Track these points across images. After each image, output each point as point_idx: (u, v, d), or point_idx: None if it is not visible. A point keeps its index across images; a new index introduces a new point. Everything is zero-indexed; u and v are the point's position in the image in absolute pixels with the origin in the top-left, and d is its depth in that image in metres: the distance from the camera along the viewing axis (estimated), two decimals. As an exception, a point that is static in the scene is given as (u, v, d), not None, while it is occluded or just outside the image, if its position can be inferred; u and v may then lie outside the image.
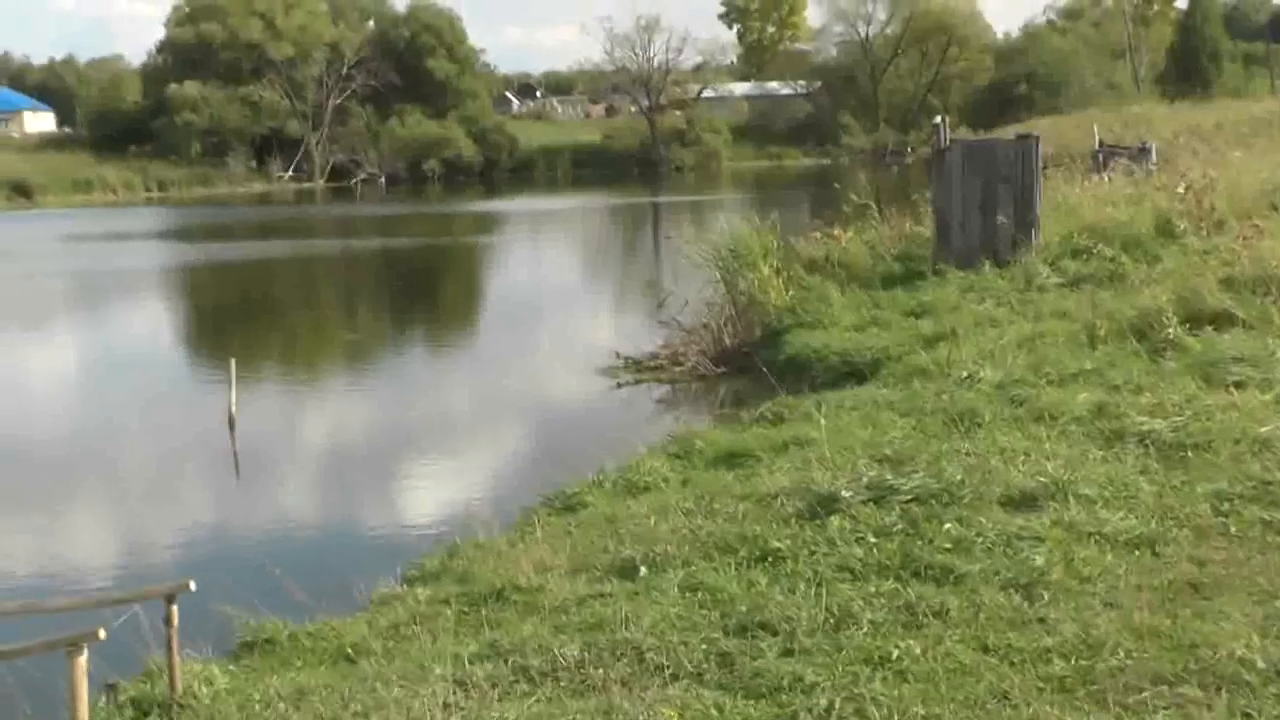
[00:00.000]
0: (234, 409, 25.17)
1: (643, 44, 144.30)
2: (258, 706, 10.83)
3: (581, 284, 52.18)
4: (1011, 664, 9.04)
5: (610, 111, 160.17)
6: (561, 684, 9.75)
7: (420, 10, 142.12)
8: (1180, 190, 29.09)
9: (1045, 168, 34.49)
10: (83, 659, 10.17)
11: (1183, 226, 26.87)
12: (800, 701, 8.72)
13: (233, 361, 26.27)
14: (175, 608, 11.50)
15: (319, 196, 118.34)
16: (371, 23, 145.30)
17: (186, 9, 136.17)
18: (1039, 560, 10.81)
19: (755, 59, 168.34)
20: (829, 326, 26.38)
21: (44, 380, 34.78)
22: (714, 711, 8.68)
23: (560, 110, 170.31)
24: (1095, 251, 26.50)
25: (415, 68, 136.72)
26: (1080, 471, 13.12)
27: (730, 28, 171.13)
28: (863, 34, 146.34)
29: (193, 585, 11.66)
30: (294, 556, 17.77)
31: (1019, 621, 9.76)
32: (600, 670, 9.74)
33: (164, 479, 23.13)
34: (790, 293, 29.06)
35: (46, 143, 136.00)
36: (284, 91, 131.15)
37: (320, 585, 14.80)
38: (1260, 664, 8.56)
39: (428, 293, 51.44)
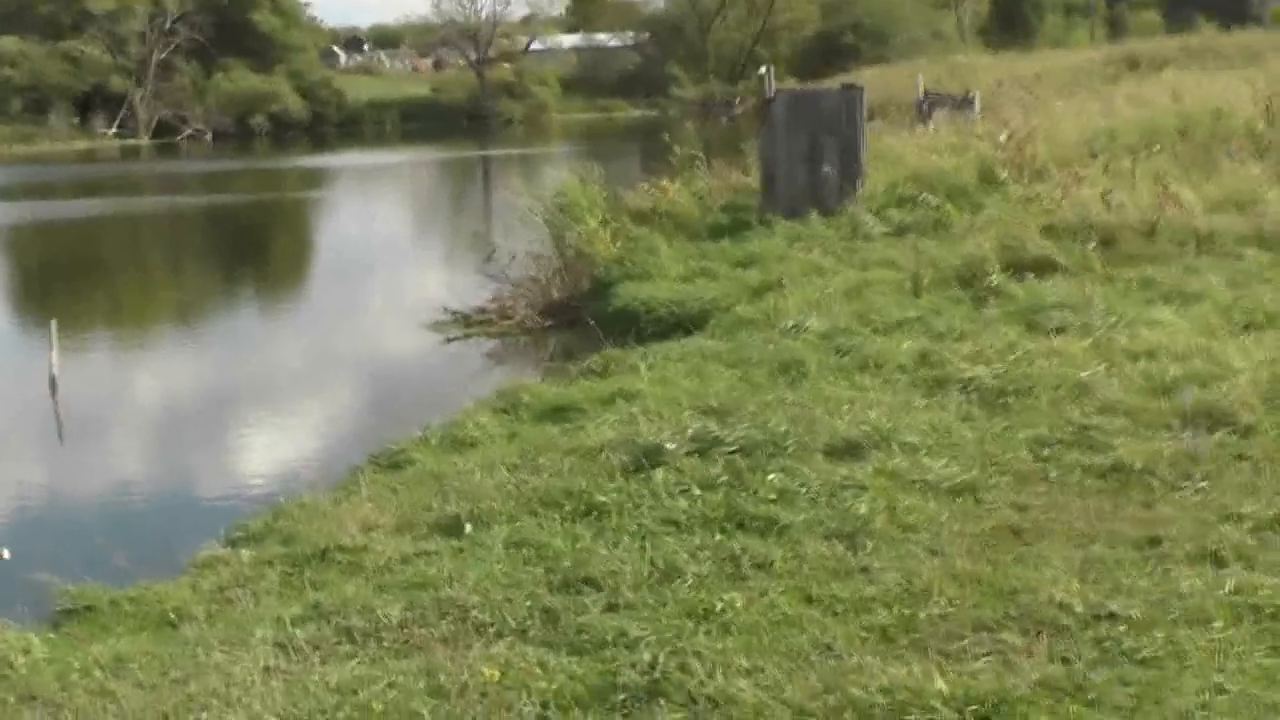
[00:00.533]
0: (55, 371, 24.64)
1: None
2: (76, 675, 10.58)
3: (410, 239, 51.71)
4: (834, 614, 9.04)
5: (438, 65, 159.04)
6: (384, 644, 9.62)
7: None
8: (1002, 139, 29.42)
9: (871, 118, 34.70)
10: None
11: (1005, 175, 27.20)
12: (624, 657, 8.65)
13: (53, 323, 25.71)
14: (-14, 577, 11.20)
15: (144, 153, 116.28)
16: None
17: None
18: (862, 509, 10.85)
19: (584, 10, 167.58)
20: (657, 278, 26.28)
21: None
22: (537, 669, 8.58)
23: (388, 64, 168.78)
24: (920, 200, 26.74)
25: (240, 21, 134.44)
26: (904, 419, 13.21)
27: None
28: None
29: (5, 554, 11.38)
30: (117, 521, 17.44)
31: (842, 571, 9.77)
32: (423, 630, 9.61)
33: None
34: (618, 245, 28.96)
35: None
36: (106, 46, 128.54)
37: (143, 550, 14.53)
38: (1079, 608, 8.64)
39: (256, 250, 50.76)
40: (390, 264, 42.66)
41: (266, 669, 9.33)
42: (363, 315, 33.36)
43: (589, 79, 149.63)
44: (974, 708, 7.22)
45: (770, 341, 18.19)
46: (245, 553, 13.62)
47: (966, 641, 8.33)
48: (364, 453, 17.63)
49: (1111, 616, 8.58)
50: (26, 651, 11.44)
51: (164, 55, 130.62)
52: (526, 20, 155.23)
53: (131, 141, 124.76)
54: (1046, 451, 12.11)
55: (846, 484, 11.53)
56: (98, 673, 10.36)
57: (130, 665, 10.34)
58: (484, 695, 7.94)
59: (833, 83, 54.62)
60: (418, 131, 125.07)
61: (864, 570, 9.75)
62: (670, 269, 26.77)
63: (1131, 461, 11.58)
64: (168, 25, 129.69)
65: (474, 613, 9.82)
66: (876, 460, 12.10)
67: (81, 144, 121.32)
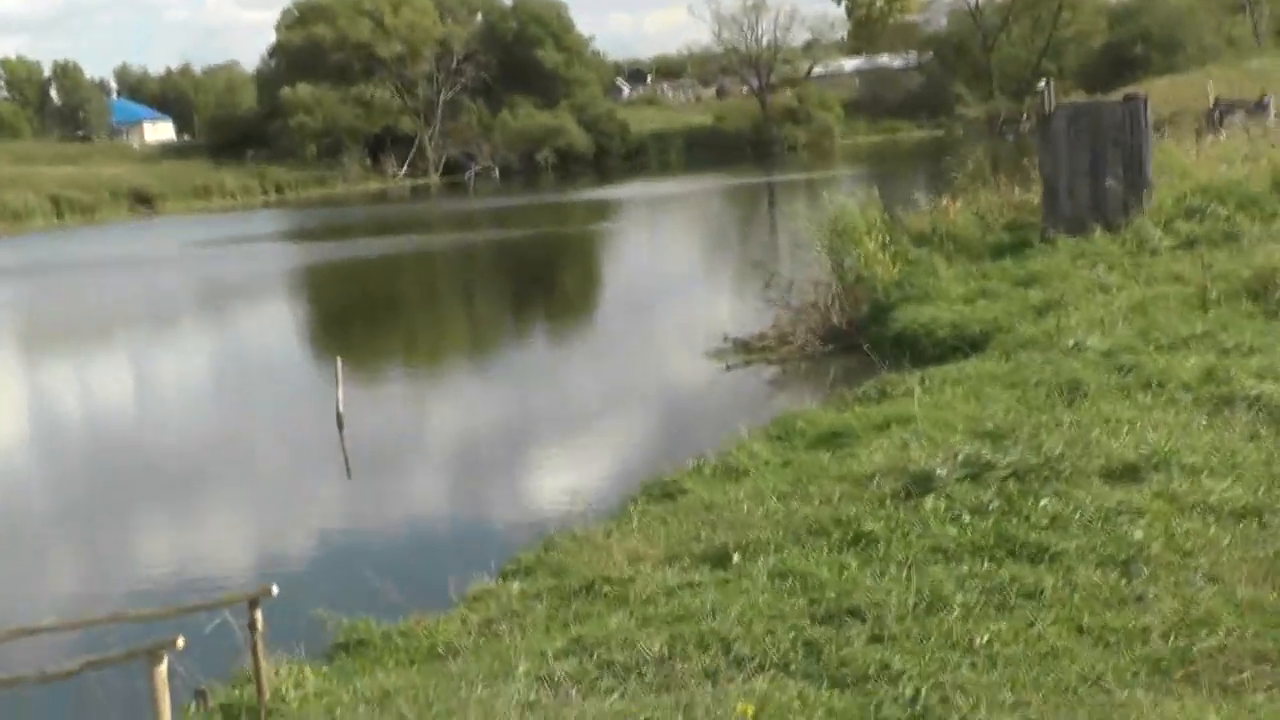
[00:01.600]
0: (341, 407, 25.15)
1: (750, 23, 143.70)
2: (343, 710, 10.69)
3: (694, 268, 51.80)
4: (1106, 645, 8.69)
5: (721, 93, 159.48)
6: (645, 679, 9.52)
7: (527, 1, 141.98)
8: (1296, 146, 28.50)
9: (1160, 129, 33.85)
10: (162, 668, 10.05)
11: (1300, 183, 26.27)
12: (886, 690, 8.42)
13: (338, 360, 26.35)
14: (259, 613, 11.34)
15: (434, 191, 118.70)
16: (479, 16, 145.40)
17: (296, 12, 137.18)
18: (1138, 534, 10.45)
19: (864, 33, 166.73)
20: (937, 300, 25.95)
21: (159, 386, 35.00)
22: (796, 702, 8.39)
23: (671, 94, 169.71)
24: (1209, 212, 25.99)
25: (524, 59, 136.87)
26: (1185, 440, 12.75)
27: (838, 3, 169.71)
28: (973, 2, 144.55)
29: (275, 590, 11.51)
30: (396, 556, 17.71)
31: (1115, 600, 9.40)
32: (684, 664, 9.48)
33: (271, 481, 23.16)
34: (898, 267, 28.66)
35: (166, 151, 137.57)
36: (395, 89, 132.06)
37: (418, 583, 14.70)
38: (1367, 636, 8.16)
39: (543, 283, 51.33)
40: (674, 293, 42.81)
41: (526, 704, 9.28)
42: (646, 346, 33.49)
43: (872, 101, 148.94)
44: (1250, 745, 6.87)
45: (1050, 362, 17.78)
46: (515, 585, 13.68)
47: (1246, 675, 7.92)
48: (639, 483, 17.61)
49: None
50: (300, 685, 11.63)
51: (451, 95, 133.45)
52: (808, 46, 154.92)
53: (421, 181, 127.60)
54: (1338, 472, 11.57)
55: (1123, 508, 11.13)
56: (363, 707, 10.44)
57: (396, 699, 10.42)
58: (739, 732, 7.77)
59: (1121, 95, 53.57)
60: (701, 160, 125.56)
61: (1138, 599, 9.36)
62: (950, 290, 26.38)
63: None
64: (454, 66, 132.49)
65: (736, 645, 9.68)
66: (1155, 483, 11.67)
67: (374, 185, 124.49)
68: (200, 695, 11.91)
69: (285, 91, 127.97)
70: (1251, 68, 78.65)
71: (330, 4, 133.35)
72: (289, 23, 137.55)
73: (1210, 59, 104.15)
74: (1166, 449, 12.38)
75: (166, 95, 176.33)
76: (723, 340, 29.43)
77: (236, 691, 12.07)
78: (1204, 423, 13.51)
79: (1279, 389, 14.09)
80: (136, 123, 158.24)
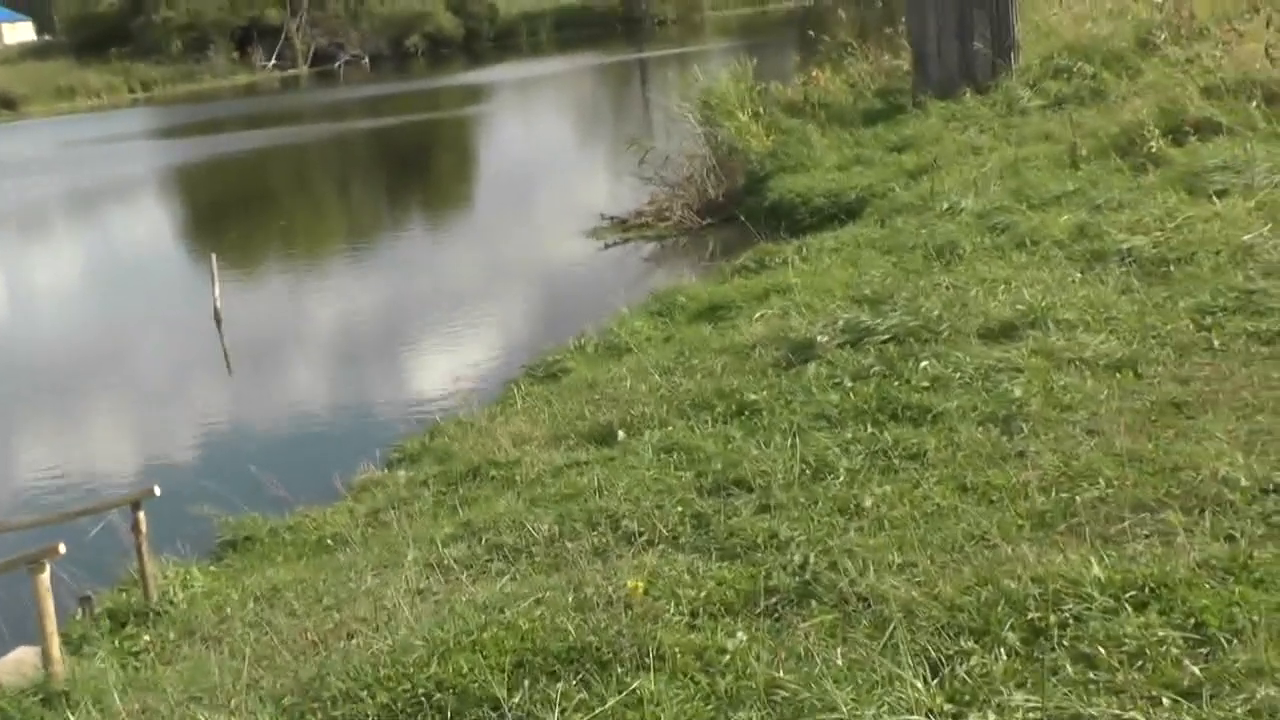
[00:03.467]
0: (218, 304, 24.92)
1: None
2: (233, 607, 10.64)
3: (568, 147, 51.55)
4: (990, 502, 8.72)
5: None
6: (535, 560, 9.49)
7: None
8: (1159, 0, 28.59)
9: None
10: (45, 575, 9.98)
11: (1163, 37, 26.33)
12: (774, 559, 8.42)
13: (213, 256, 26.05)
14: (142, 514, 11.26)
15: (304, 83, 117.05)
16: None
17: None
18: (1018, 391, 10.48)
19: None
20: (812, 169, 26.02)
21: (30, 290, 34.54)
22: (686, 575, 8.37)
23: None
24: (1076, 70, 26.12)
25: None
26: (1060, 296, 12.81)
27: None
28: None
29: (157, 490, 11.45)
30: (279, 450, 17.64)
31: (997, 457, 9.44)
32: (573, 543, 9.47)
33: (149, 382, 22.94)
34: (771, 138, 28.65)
35: (27, 52, 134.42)
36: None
37: (304, 477, 14.70)
38: (1244, 481, 8.23)
39: (418, 170, 50.88)
40: (549, 174, 42.63)
41: (416, 591, 9.26)
42: (523, 227, 33.35)
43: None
44: (1132, 593, 6.89)
45: (925, 225, 17.84)
46: (401, 473, 13.69)
47: (1126, 524, 7.97)
48: (522, 365, 17.61)
49: (1279, 490, 8.19)
50: (187, 586, 11.58)
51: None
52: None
53: (291, 72, 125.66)
54: (1209, 320, 11.60)
55: (1001, 366, 11.17)
56: (252, 604, 10.39)
57: (286, 594, 10.40)
58: (629, 607, 7.77)
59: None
60: (572, 39, 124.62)
61: (1020, 455, 9.39)
62: (825, 159, 26.46)
63: (1299, 324, 11.11)
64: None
65: (624, 522, 9.66)
66: (1032, 340, 11.71)
67: (242, 78, 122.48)
68: (85, 601, 11.83)
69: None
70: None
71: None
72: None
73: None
74: (1042, 306, 12.43)
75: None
76: (600, 218, 29.36)
77: (123, 595, 12.01)
78: (1078, 278, 13.57)
79: (1149, 242, 14.16)
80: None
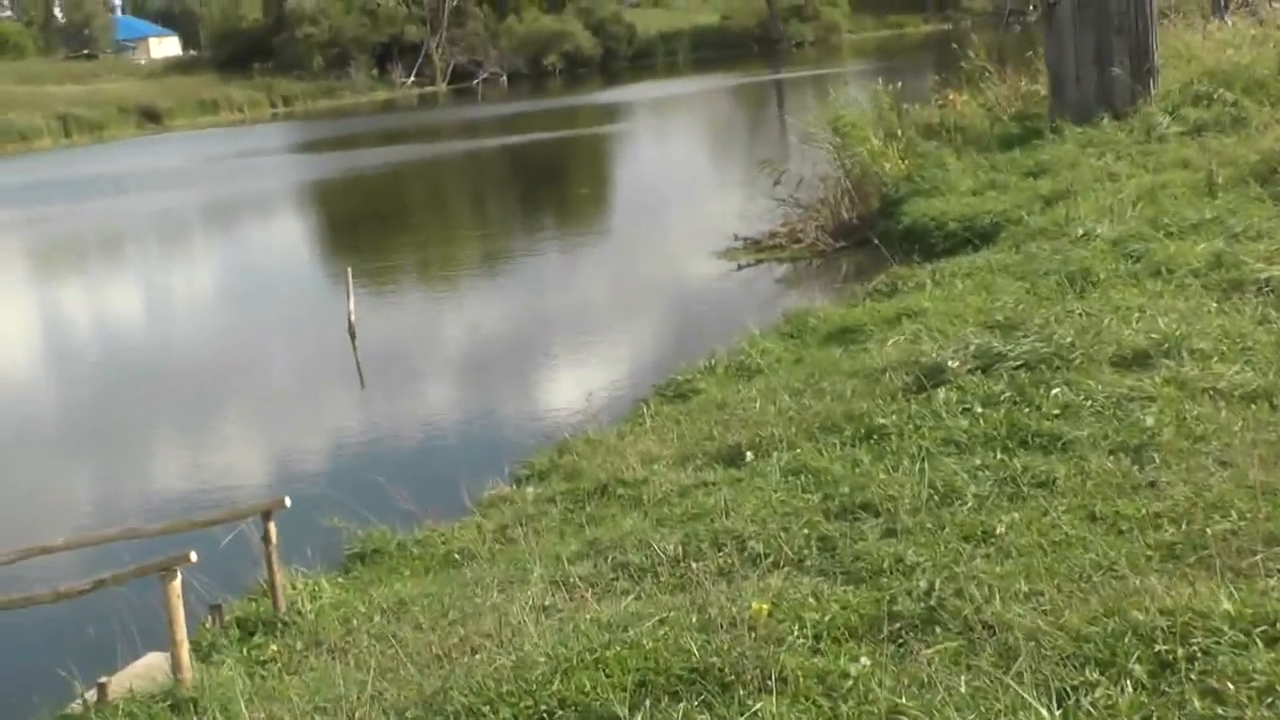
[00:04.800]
0: (353, 318, 25.19)
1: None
2: (359, 619, 10.74)
3: (704, 167, 51.68)
4: (1119, 533, 8.64)
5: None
6: (660, 579, 9.51)
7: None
8: (1304, 26, 28.30)
9: (1164, 14, 33.56)
10: (176, 583, 10.11)
11: (1306, 64, 26.04)
12: (900, 584, 8.39)
13: (349, 270, 26.38)
14: (273, 525, 11.38)
15: (442, 100, 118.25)
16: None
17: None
18: (1150, 421, 10.38)
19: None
20: (946, 193, 25.84)
21: (170, 302, 35.08)
22: (811, 599, 8.36)
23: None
24: (1216, 97, 25.82)
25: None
26: (1195, 325, 12.66)
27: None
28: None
29: (288, 501, 11.56)
30: (408, 464, 17.79)
31: (1127, 487, 9.35)
32: (699, 563, 9.48)
33: (283, 393, 23.23)
34: (907, 161, 28.56)
35: (172, 67, 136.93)
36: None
37: (433, 491, 14.75)
38: (1380, 517, 8.12)
39: (553, 187, 51.20)
40: (684, 194, 42.67)
41: (541, 608, 9.30)
42: (657, 247, 33.42)
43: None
44: (1263, 628, 6.79)
45: (1059, 251, 17.71)
46: (529, 490, 13.75)
47: (1258, 558, 7.85)
48: (652, 384, 17.66)
49: None
50: (315, 596, 11.68)
51: (457, 2, 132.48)
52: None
53: (429, 89, 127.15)
54: (1349, 349, 11.49)
55: (1134, 395, 11.06)
56: (379, 617, 10.49)
57: (412, 608, 10.47)
58: (752, 629, 7.77)
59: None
60: (709, 60, 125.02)
61: (1151, 485, 9.30)
62: (959, 183, 26.29)
63: None
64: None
65: (750, 543, 9.66)
66: (1166, 369, 11.59)
67: (381, 95, 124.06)
68: (215, 609, 11.98)
69: (290, 3, 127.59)
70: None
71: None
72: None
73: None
74: (1176, 335, 12.30)
75: (172, 10, 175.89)
76: (733, 239, 29.40)
77: (252, 604, 12.13)
78: (1213, 308, 13.43)
79: (1288, 272, 14.02)
80: (142, 39, 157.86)
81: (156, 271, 40.65)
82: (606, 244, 36.13)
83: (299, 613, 11.43)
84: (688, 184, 45.48)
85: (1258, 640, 6.69)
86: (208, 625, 11.83)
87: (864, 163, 28.61)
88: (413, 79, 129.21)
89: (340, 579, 12.56)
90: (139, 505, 17.47)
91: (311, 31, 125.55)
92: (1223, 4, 42.41)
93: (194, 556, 10.15)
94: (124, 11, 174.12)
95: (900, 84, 32.40)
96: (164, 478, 19.22)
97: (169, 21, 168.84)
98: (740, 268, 27.51)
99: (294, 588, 11.88)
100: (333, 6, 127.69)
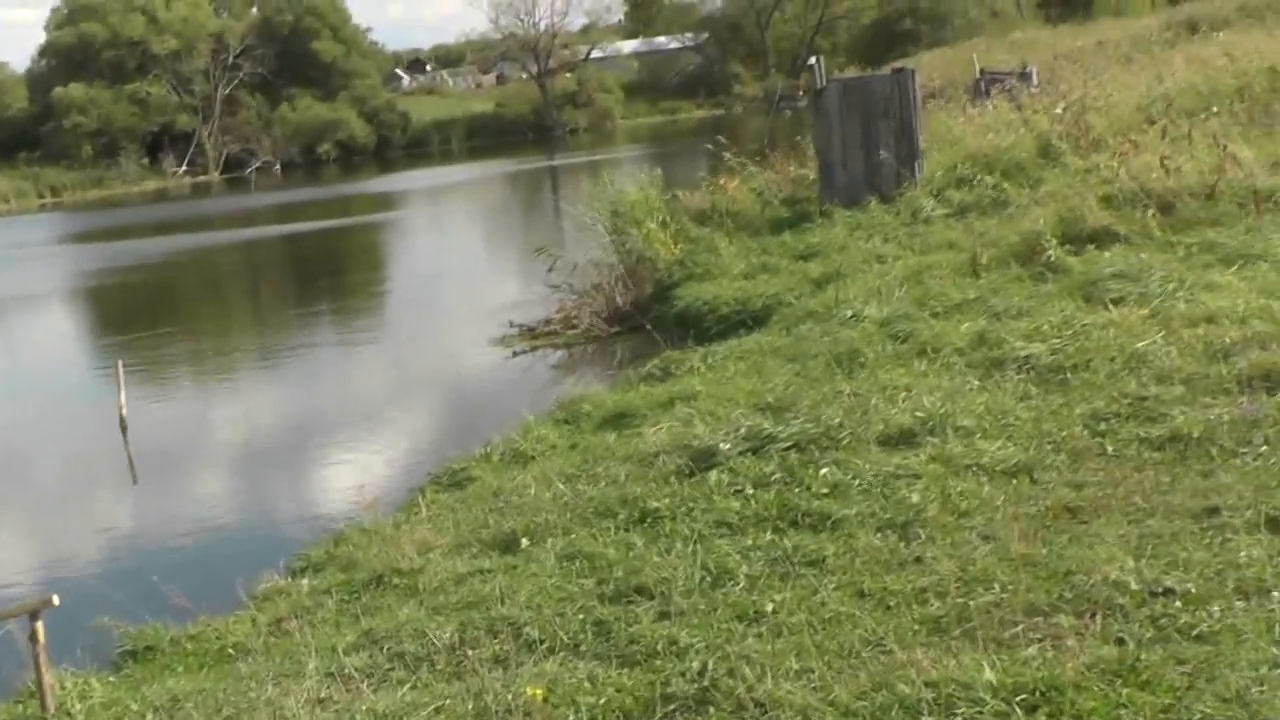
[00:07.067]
0: (124, 411, 24.81)
1: (527, 9, 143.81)
2: (131, 718, 10.56)
3: (477, 255, 51.71)
4: (886, 608, 8.84)
5: (501, 80, 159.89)
6: (436, 668, 9.54)
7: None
8: (1059, 111, 29.07)
9: (928, 100, 34.37)
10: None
11: (1062, 147, 26.77)
12: (674, 665, 8.51)
13: (119, 363, 26.02)
14: (40, 624, 11.16)
15: (215, 189, 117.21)
16: (255, 9, 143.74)
17: (65, 10, 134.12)
18: (915, 498, 10.65)
19: (641, 15, 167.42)
20: (719, 276, 26.20)
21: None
22: (586, 683, 8.45)
23: (452, 83, 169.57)
24: (978, 180, 26.46)
25: (302, 52, 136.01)
26: (959, 403, 12.98)
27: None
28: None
29: (56, 600, 11.35)
30: (182, 559, 17.55)
31: (894, 563, 9.58)
32: (475, 651, 9.50)
33: (52, 490, 22.79)
34: (679, 246, 28.88)
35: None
36: (171, 86, 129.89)
37: (207, 586, 14.59)
38: (1134, 585, 8.39)
39: (326, 276, 50.84)
40: (458, 282, 42.66)
41: (317, 701, 9.27)
42: (433, 337, 33.31)
43: (651, 83, 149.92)
44: (1022, 697, 7.01)
45: (829, 333, 18.02)
46: (305, 582, 13.66)
47: (1020, 628, 8.10)
48: (428, 473, 17.66)
49: (1168, 592, 8.29)
50: (85, 697, 11.47)
51: (229, 90, 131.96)
52: (585, 29, 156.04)
53: (202, 178, 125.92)
54: (1103, 426, 11.79)
55: (900, 473, 11.32)
56: (151, 715, 10.34)
57: (186, 705, 10.34)
58: (528, 715, 7.81)
59: (890, 68, 54.37)
60: (484, 147, 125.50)
61: (917, 560, 9.53)
62: (732, 267, 26.66)
63: (1189, 430, 11.22)
64: (230, 60, 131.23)
65: (526, 629, 9.74)
66: (931, 447, 11.87)
67: (153, 184, 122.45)
68: (-24, 714, 11.71)
69: (58, 91, 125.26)
70: (1015, 39, 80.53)
71: (101, 1, 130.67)
72: (59, 21, 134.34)
73: (976, 32, 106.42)
74: (941, 413, 12.60)
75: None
76: (508, 327, 29.45)
77: (19, 707, 11.87)
78: (976, 385, 13.75)
79: (1046, 350, 14.36)
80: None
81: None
82: (383, 334, 35.96)
83: (68, 714, 11.21)
84: (464, 272, 45.50)
85: (1018, 708, 6.90)
86: (-29, 731, 11.57)
87: (638, 248, 28.84)
88: (185, 168, 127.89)
89: (112, 678, 12.34)
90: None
91: (80, 120, 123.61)
92: (984, 88, 43.64)
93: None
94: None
95: (673, 169, 32.81)
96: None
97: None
98: (516, 355, 27.56)
99: (63, 688, 11.64)
100: (101, 95, 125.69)
